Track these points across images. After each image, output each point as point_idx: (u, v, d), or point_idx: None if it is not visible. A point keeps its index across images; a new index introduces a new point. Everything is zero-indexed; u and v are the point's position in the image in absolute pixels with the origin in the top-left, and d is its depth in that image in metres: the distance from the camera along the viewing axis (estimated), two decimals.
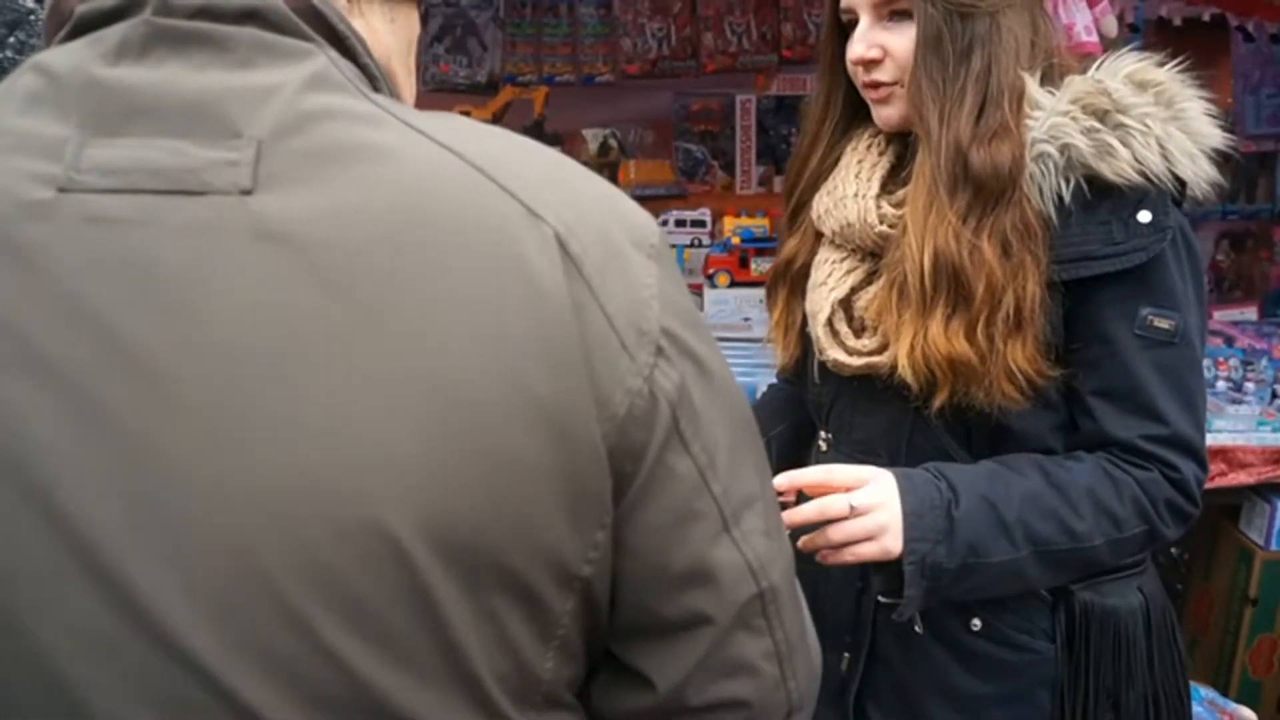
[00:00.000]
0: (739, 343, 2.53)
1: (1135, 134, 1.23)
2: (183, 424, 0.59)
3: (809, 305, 1.42)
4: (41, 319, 0.60)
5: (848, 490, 1.22)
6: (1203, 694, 2.22)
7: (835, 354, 1.37)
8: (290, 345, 0.60)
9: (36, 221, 0.61)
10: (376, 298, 0.60)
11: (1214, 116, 1.29)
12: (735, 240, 2.86)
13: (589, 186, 0.69)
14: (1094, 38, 1.89)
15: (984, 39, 1.26)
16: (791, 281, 1.48)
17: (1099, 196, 1.24)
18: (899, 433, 1.35)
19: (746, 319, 2.65)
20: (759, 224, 2.89)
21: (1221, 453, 2.27)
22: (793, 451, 1.55)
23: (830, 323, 1.38)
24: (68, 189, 0.61)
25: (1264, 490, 2.45)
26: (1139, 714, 1.35)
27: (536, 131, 3.18)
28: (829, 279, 1.39)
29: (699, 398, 0.68)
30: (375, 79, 0.70)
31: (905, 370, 1.26)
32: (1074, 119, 1.24)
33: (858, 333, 1.36)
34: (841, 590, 1.37)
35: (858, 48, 1.31)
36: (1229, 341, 2.69)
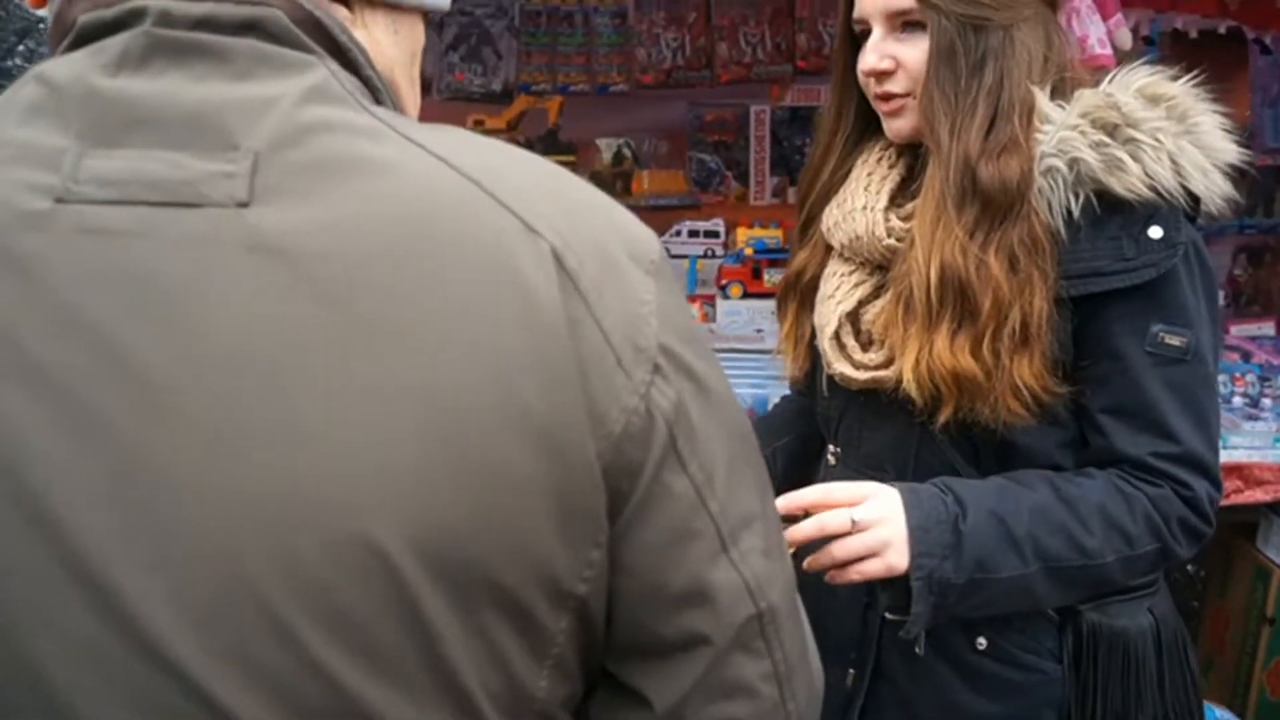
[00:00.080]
0: (751, 354, 2.52)
1: (1146, 148, 1.22)
2: (176, 434, 0.59)
3: (817, 318, 1.42)
4: (38, 329, 0.60)
5: (850, 506, 1.20)
6: (1218, 715, 2.19)
7: (842, 367, 1.36)
8: (284, 357, 0.59)
9: (34, 232, 0.61)
10: (371, 311, 0.60)
11: (1229, 131, 1.28)
12: (748, 251, 2.85)
13: (588, 201, 0.69)
14: (1108, 50, 1.87)
15: (997, 52, 1.26)
16: (801, 294, 1.48)
17: (1109, 212, 1.23)
18: (906, 448, 1.34)
19: (759, 330, 2.64)
20: (772, 235, 2.88)
21: (1237, 470, 2.25)
22: (799, 463, 1.54)
23: (837, 336, 1.37)
24: (65, 200, 0.61)
25: None
26: None
27: (550, 140, 3.19)
28: (837, 292, 1.39)
29: (697, 416, 0.67)
30: (377, 91, 0.70)
31: (910, 385, 1.26)
32: (1083, 133, 1.23)
33: (865, 346, 1.36)
34: (847, 606, 1.37)
35: (870, 58, 1.31)
36: (1246, 357, 2.67)
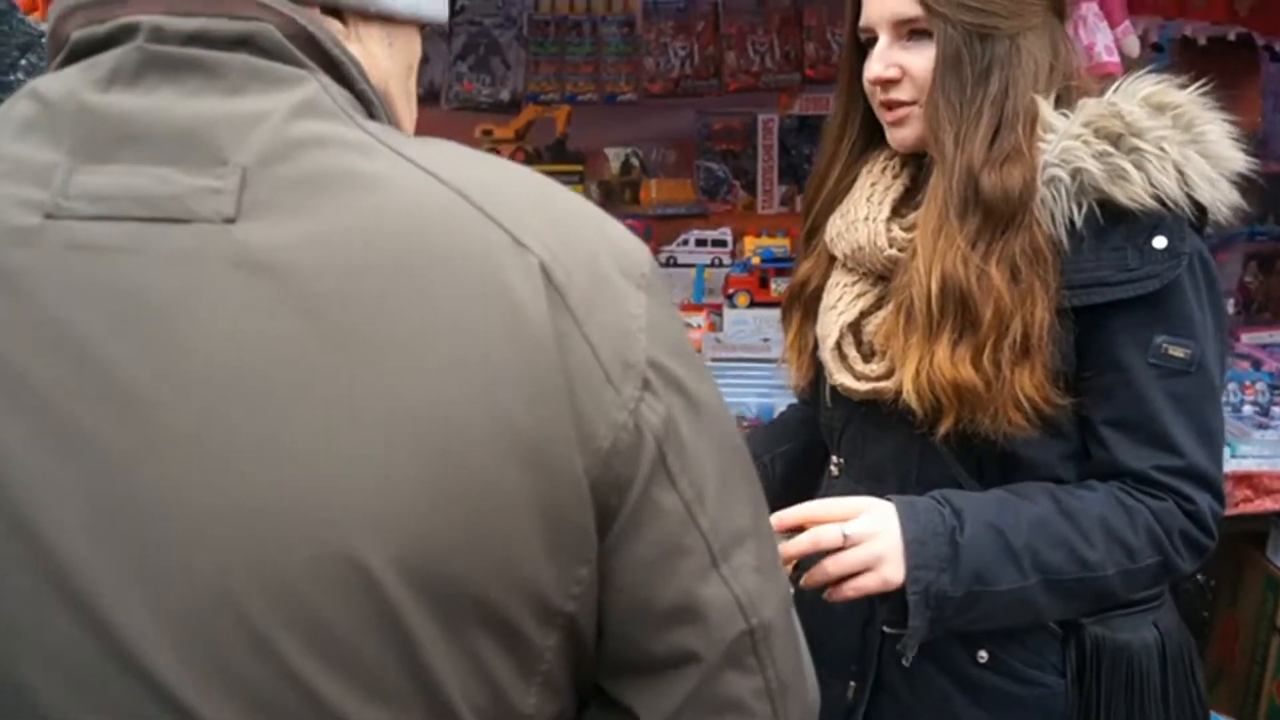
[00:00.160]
0: (757, 363, 2.52)
1: (1150, 158, 1.21)
2: (161, 450, 0.59)
3: (819, 329, 1.42)
4: (25, 344, 0.60)
5: (843, 521, 1.20)
6: None
7: (843, 379, 1.36)
8: (270, 372, 0.59)
9: (23, 248, 0.61)
10: (357, 326, 0.60)
11: (1238, 139, 1.27)
12: (755, 260, 2.85)
13: (579, 215, 0.68)
14: (1115, 58, 1.87)
15: (1003, 61, 1.25)
16: (805, 304, 1.47)
17: (1113, 221, 1.22)
18: (908, 460, 1.34)
19: (766, 339, 2.63)
20: (779, 244, 2.88)
21: (1247, 478, 2.23)
22: (799, 471, 1.53)
23: (839, 347, 1.37)
24: (55, 215, 0.61)
25: None
26: None
27: (559, 150, 3.20)
28: (839, 302, 1.38)
29: (687, 431, 0.67)
30: (371, 105, 0.70)
31: (910, 396, 1.25)
32: (1086, 143, 1.22)
33: (867, 357, 1.35)
34: (847, 619, 1.35)
35: (876, 67, 1.30)
36: (1256, 365, 2.65)
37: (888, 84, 1.31)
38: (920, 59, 1.28)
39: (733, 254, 3.08)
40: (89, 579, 0.59)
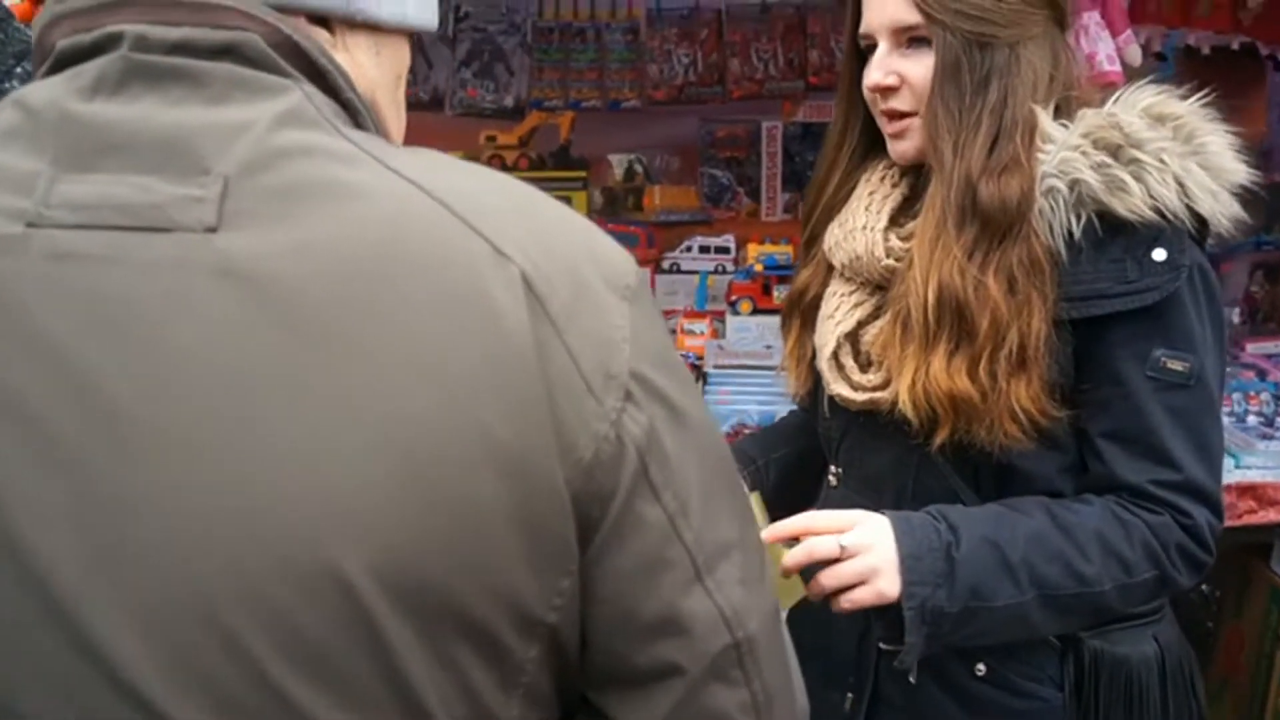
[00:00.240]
0: (760, 370, 2.51)
1: (1150, 169, 1.20)
2: (140, 459, 0.59)
3: (817, 338, 1.41)
4: (6, 353, 0.60)
5: (840, 532, 1.19)
6: None
7: (840, 389, 1.35)
8: (249, 382, 0.60)
9: (5, 257, 0.61)
10: (337, 336, 0.60)
11: (1241, 150, 1.26)
12: (758, 268, 2.84)
13: (563, 225, 0.68)
14: (1116, 67, 1.86)
15: (1002, 70, 1.25)
16: (803, 313, 1.47)
17: (1112, 233, 1.22)
18: (905, 470, 1.33)
19: (768, 346, 2.62)
20: (783, 251, 2.87)
21: (1251, 490, 2.21)
22: (794, 477, 1.52)
23: (836, 356, 1.36)
24: (36, 224, 0.62)
25: None
26: None
27: (562, 156, 3.20)
28: (836, 312, 1.38)
29: (670, 443, 0.67)
30: (358, 114, 0.70)
31: (906, 406, 1.24)
32: (1084, 154, 1.22)
33: (864, 367, 1.35)
34: (845, 631, 1.35)
35: (874, 74, 1.30)
36: (1261, 375, 2.63)
37: (886, 92, 1.30)
38: (919, 67, 1.27)
39: (736, 261, 3.08)
40: (70, 593, 0.59)
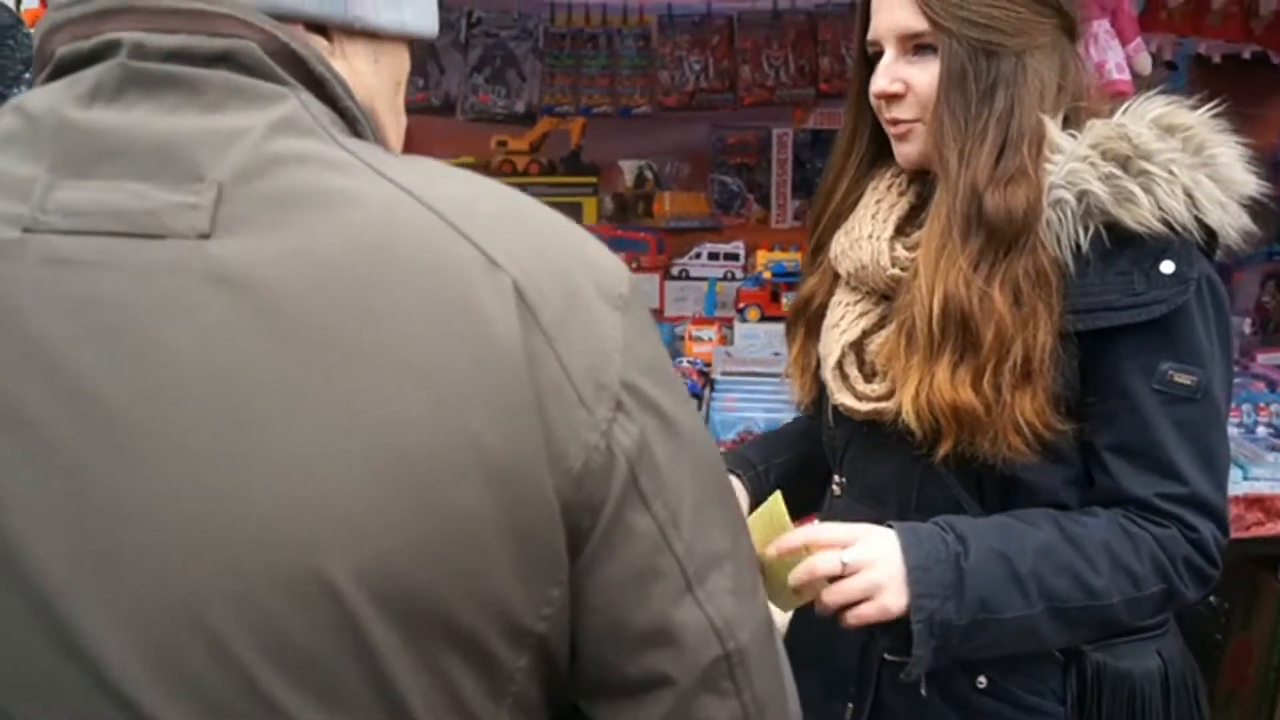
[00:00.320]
0: (767, 377, 2.51)
1: (1159, 181, 1.19)
2: (135, 466, 0.60)
3: (821, 347, 1.41)
4: (2, 359, 0.61)
5: (843, 547, 1.19)
6: None
7: (844, 398, 1.35)
8: (241, 388, 0.60)
9: (1, 262, 0.62)
10: (327, 343, 0.60)
11: (1254, 160, 1.25)
12: (766, 275, 2.85)
13: (557, 234, 0.68)
14: (1126, 76, 1.86)
15: (1009, 79, 1.24)
16: (808, 321, 1.46)
17: (1119, 245, 1.21)
18: (909, 481, 1.32)
19: (776, 353, 2.63)
20: (792, 258, 2.88)
21: (1259, 501, 2.20)
22: (795, 483, 1.51)
23: (840, 366, 1.36)
24: (33, 230, 0.62)
25: None
26: None
27: (573, 162, 3.21)
28: (841, 321, 1.37)
29: (662, 453, 0.67)
30: (356, 121, 0.70)
31: (909, 417, 1.24)
32: (1093, 165, 1.21)
33: (868, 377, 1.34)
34: (846, 641, 1.33)
35: (880, 81, 1.29)
36: (1271, 386, 2.63)
37: (891, 99, 1.30)
38: (925, 74, 1.27)
39: (745, 268, 3.08)
40: (63, 596, 0.59)
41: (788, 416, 2.08)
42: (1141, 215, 1.19)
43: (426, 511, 0.60)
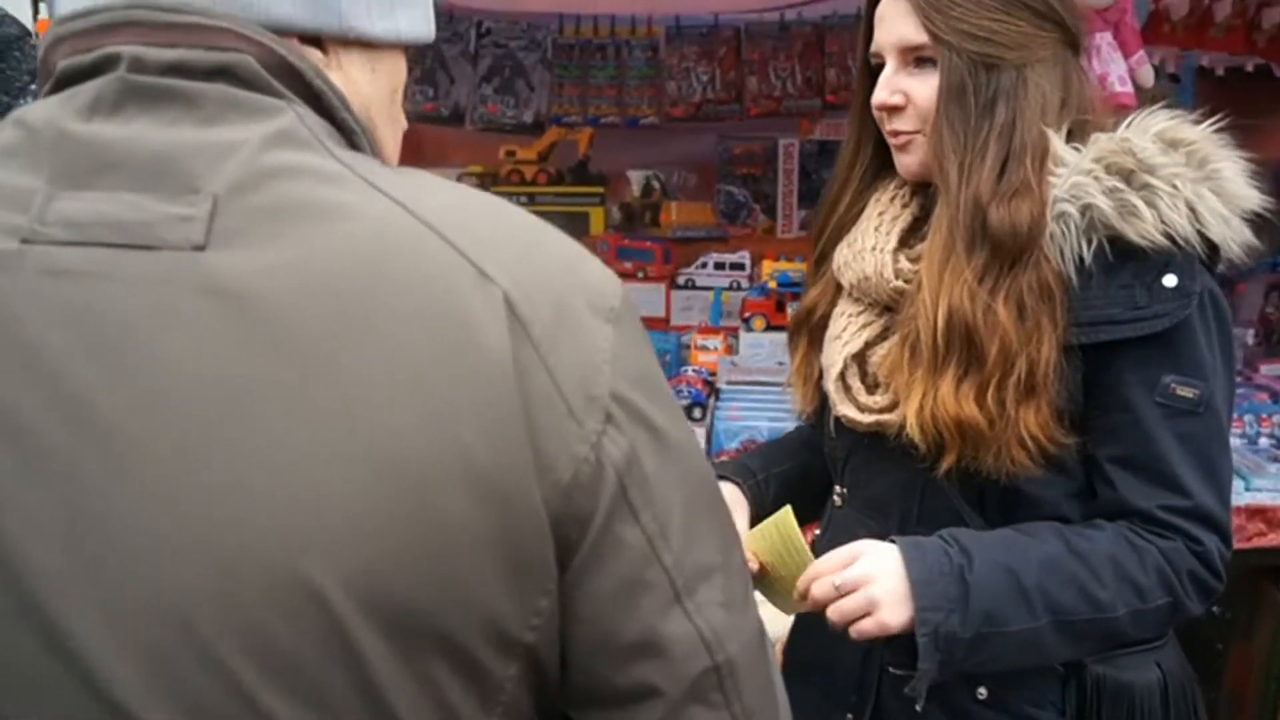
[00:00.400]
0: (772, 387, 2.52)
1: (1162, 195, 1.19)
2: (126, 475, 0.60)
3: (824, 358, 1.41)
4: (0, 368, 0.61)
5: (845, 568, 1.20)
6: None
7: (846, 410, 1.35)
8: (232, 400, 0.60)
9: (1, 273, 0.62)
10: (318, 355, 0.61)
11: (1257, 172, 1.25)
12: (772, 284, 2.86)
13: (549, 247, 0.69)
14: (1128, 88, 1.87)
15: (1009, 93, 1.24)
16: (811, 332, 1.46)
17: (1122, 258, 1.21)
18: (911, 493, 1.33)
19: (780, 363, 2.64)
20: (797, 268, 2.89)
21: (1261, 512, 2.21)
22: (794, 492, 1.51)
23: (843, 377, 1.36)
24: (31, 240, 0.63)
25: None
26: None
27: (581, 171, 3.23)
28: (844, 333, 1.38)
29: (651, 465, 0.67)
30: (352, 133, 0.71)
31: (913, 430, 1.24)
32: (1097, 178, 1.21)
33: (871, 389, 1.34)
34: (848, 649, 1.33)
35: (881, 93, 1.30)
36: (1274, 397, 2.62)
37: (892, 111, 1.30)
38: (925, 87, 1.27)
39: (750, 277, 3.09)
40: (57, 606, 0.60)
41: (791, 426, 2.09)
42: (1144, 229, 1.19)
43: (415, 521, 0.61)
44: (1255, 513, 2.19)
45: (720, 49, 3.18)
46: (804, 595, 1.23)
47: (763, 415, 2.42)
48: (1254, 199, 1.24)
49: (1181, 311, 1.20)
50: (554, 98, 3.23)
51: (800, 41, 3.15)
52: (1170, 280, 1.20)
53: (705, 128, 3.25)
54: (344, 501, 0.60)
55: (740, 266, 3.12)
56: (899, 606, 1.17)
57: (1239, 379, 2.65)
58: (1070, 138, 1.27)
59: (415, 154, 3.34)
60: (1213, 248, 1.24)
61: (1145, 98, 1.78)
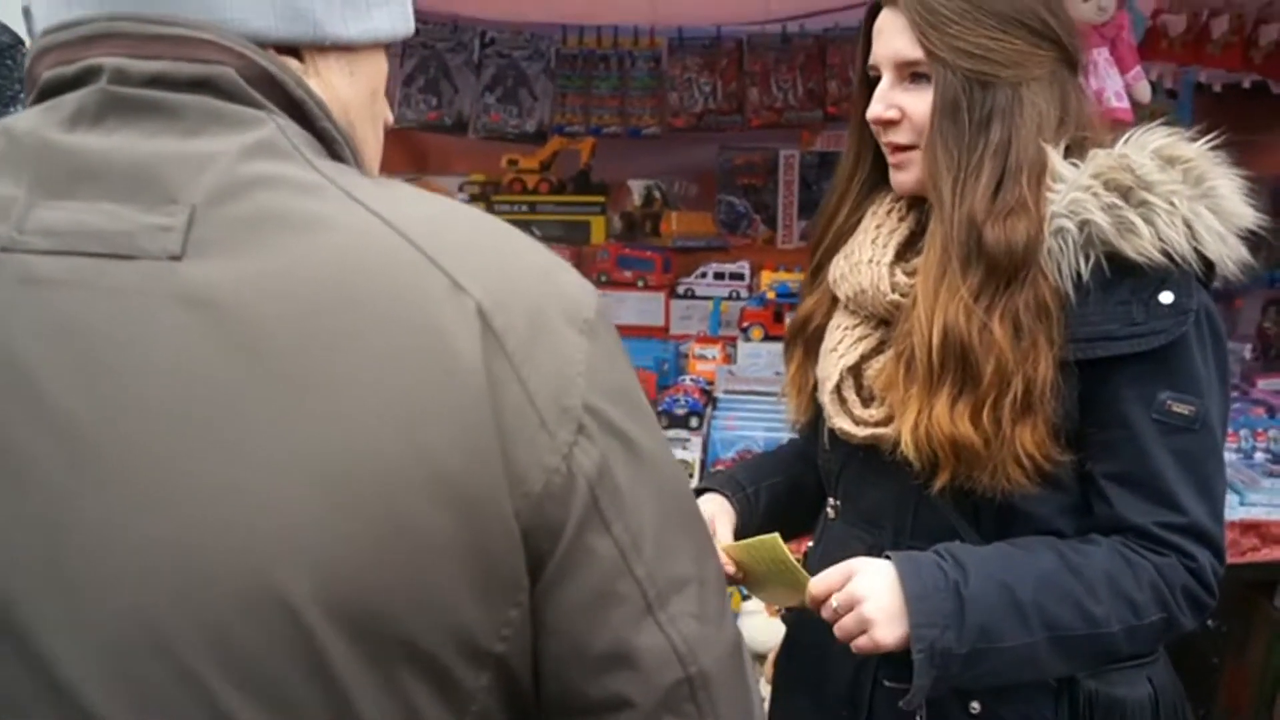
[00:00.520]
0: (769, 397, 2.52)
1: (1160, 212, 1.20)
2: (97, 485, 0.60)
3: (819, 370, 1.41)
4: None
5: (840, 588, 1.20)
6: None
7: (841, 423, 1.35)
8: (204, 408, 0.61)
9: None
10: (290, 365, 0.61)
11: (1254, 189, 1.26)
12: (770, 295, 2.87)
13: (525, 259, 0.69)
14: (1125, 104, 1.88)
15: (1004, 110, 1.24)
16: (806, 343, 1.46)
17: (1119, 275, 1.21)
18: (905, 507, 1.33)
19: (778, 373, 2.63)
20: (796, 279, 2.89)
21: (1255, 527, 2.22)
22: (785, 505, 1.52)
23: (838, 390, 1.36)
24: (10, 249, 0.63)
25: None
26: None
27: (582, 181, 3.24)
28: (840, 345, 1.38)
29: (623, 477, 0.67)
30: (334, 143, 0.71)
31: (908, 447, 1.24)
32: (1095, 195, 1.21)
33: (866, 402, 1.34)
34: (841, 660, 1.33)
35: (876, 107, 1.30)
36: (1271, 412, 2.63)
37: (887, 125, 1.30)
38: (919, 102, 1.27)
39: (750, 287, 3.10)
40: (26, 614, 0.60)
41: (787, 436, 2.11)
42: (1142, 246, 1.19)
43: (385, 531, 0.61)
44: (1249, 527, 2.20)
45: (722, 60, 3.19)
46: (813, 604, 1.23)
47: (759, 425, 2.43)
48: (1250, 217, 1.25)
49: (1178, 328, 1.20)
50: (557, 107, 3.24)
51: (802, 53, 3.17)
52: (1167, 297, 1.20)
53: (707, 138, 3.26)
54: (313, 512, 0.60)
55: (740, 276, 3.13)
56: (893, 624, 1.17)
57: (1236, 393, 2.66)
58: (1069, 154, 1.27)
59: (418, 162, 3.35)
60: (1209, 265, 1.24)
61: (1144, 113, 1.79)
